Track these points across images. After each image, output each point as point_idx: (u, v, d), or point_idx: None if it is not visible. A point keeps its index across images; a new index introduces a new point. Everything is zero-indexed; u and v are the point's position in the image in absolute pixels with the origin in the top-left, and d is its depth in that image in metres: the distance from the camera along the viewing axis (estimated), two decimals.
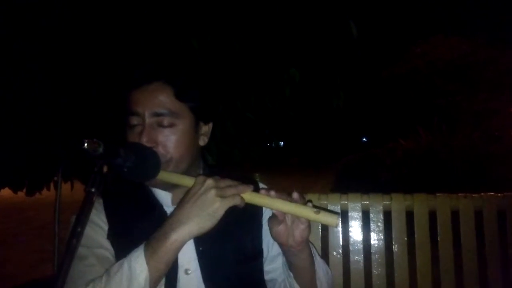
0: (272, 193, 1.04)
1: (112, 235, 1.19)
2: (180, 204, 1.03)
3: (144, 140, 1.13)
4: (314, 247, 1.36)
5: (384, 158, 7.98)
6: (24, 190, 2.89)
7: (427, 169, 7.09)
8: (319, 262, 1.29)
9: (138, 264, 0.97)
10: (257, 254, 1.33)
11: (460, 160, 7.02)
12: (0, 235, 7.47)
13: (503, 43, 13.22)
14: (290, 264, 1.23)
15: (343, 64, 3.18)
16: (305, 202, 1.06)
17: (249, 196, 1.04)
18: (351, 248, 1.81)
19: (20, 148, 2.47)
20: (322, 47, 3.00)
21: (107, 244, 1.18)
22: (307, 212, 1.01)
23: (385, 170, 7.62)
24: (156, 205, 1.25)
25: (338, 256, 1.79)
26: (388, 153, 8.17)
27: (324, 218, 1.00)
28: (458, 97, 13.67)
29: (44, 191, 3.02)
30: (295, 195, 1.05)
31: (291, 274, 1.23)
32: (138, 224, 1.19)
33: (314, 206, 1.03)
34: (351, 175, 8.31)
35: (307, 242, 1.16)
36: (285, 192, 1.07)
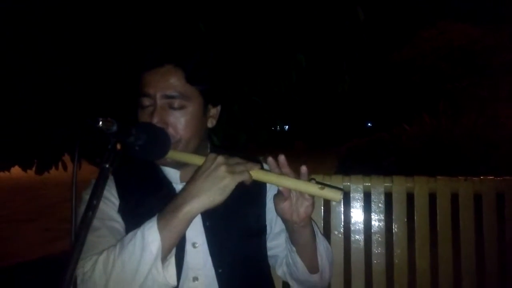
0: (282, 157, 1.09)
1: (123, 210, 1.25)
2: (192, 179, 1.07)
3: (155, 121, 1.16)
4: (316, 224, 1.41)
5: (388, 143, 8.00)
6: (33, 168, 2.95)
7: (431, 154, 7.10)
8: (320, 238, 1.35)
9: (151, 234, 1.01)
10: (261, 230, 1.39)
11: (464, 146, 7.03)
12: (8, 213, 7.59)
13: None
14: (293, 240, 1.28)
15: (349, 49, 3.19)
16: (309, 180, 1.11)
17: (257, 174, 1.07)
18: (352, 228, 1.86)
19: (30, 128, 2.52)
20: (329, 31, 3.01)
21: (118, 217, 1.23)
22: (312, 188, 1.06)
23: (389, 154, 7.64)
24: (165, 182, 1.30)
25: (340, 235, 1.84)
26: (392, 138, 8.18)
27: (329, 193, 1.04)
28: (464, 83, 13.57)
29: (52, 171, 3.09)
30: (303, 168, 1.10)
31: (294, 249, 1.29)
32: (148, 200, 1.24)
33: (318, 183, 1.08)
34: (355, 159, 8.35)
35: (310, 219, 1.22)
36: (291, 169, 1.12)
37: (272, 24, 2.65)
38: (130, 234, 1.06)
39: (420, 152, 7.30)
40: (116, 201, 1.26)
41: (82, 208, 0.90)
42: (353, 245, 1.85)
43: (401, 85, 16.17)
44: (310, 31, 2.85)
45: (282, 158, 1.11)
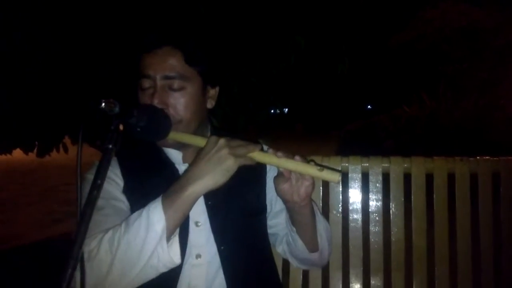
0: (279, 153, 1.10)
1: (128, 190, 1.27)
2: (195, 161, 1.09)
3: (156, 102, 1.19)
4: (316, 204, 1.44)
5: (388, 125, 8.02)
6: (35, 151, 2.98)
7: (431, 136, 7.12)
8: (320, 218, 1.38)
9: (156, 214, 1.03)
10: (261, 209, 1.42)
11: (463, 127, 7.04)
12: (10, 196, 7.64)
13: None
14: (293, 220, 1.31)
15: (349, 30, 3.19)
16: (308, 162, 1.14)
17: (258, 155, 1.10)
18: (350, 207, 1.88)
19: (32, 110, 2.54)
20: (328, 13, 3.00)
21: (122, 197, 1.25)
22: (311, 169, 1.09)
23: (388, 136, 7.66)
24: (168, 163, 1.32)
25: (338, 214, 1.86)
26: (392, 120, 8.19)
27: (328, 175, 1.07)
28: (464, 64, 13.50)
29: (53, 154, 3.11)
30: (297, 157, 1.12)
31: (294, 229, 1.33)
32: (152, 180, 1.26)
33: (317, 164, 1.11)
34: (355, 141, 8.38)
35: (310, 199, 1.24)
36: (290, 153, 1.14)
37: (271, 6, 2.64)
38: (135, 213, 1.08)
39: (419, 134, 7.32)
40: (120, 181, 1.28)
41: (86, 188, 0.90)
42: (351, 224, 1.88)
43: (401, 66, 16.08)
44: (309, 13, 2.84)
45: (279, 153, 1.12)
